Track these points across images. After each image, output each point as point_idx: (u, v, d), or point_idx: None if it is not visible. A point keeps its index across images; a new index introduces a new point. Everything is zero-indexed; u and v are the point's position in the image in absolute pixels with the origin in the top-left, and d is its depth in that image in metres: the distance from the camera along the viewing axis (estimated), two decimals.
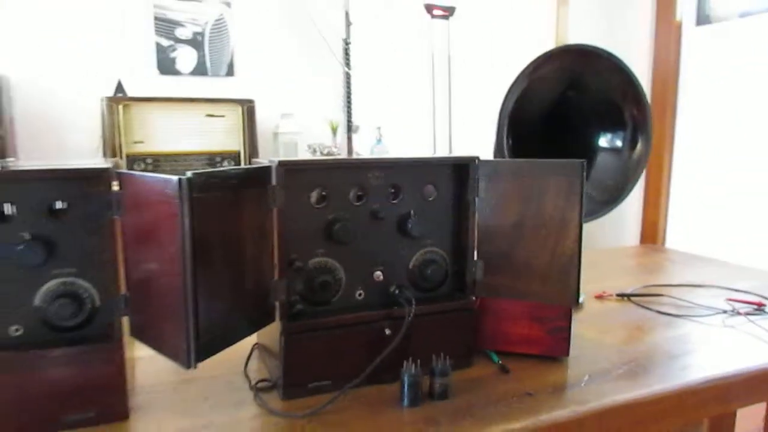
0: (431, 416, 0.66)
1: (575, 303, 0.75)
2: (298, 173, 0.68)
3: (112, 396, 0.63)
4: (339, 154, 2.49)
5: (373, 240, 0.74)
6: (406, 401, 0.68)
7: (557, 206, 0.73)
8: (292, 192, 0.68)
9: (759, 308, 1.03)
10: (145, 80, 2.40)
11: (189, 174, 0.53)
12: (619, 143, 1.01)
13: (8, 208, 0.60)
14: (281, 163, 0.65)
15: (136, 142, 2.16)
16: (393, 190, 0.74)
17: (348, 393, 0.68)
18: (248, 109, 2.30)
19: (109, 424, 0.63)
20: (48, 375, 0.60)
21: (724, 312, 1.02)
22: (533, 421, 0.65)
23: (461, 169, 0.76)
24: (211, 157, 2.29)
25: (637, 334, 0.94)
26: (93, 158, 2.27)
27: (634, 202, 3.79)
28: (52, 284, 0.62)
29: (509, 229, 0.77)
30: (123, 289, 0.64)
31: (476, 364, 0.80)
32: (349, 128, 0.86)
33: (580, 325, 0.96)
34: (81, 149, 2.30)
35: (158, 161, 2.20)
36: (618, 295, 1.13)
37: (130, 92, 2.29)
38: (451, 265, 0.78)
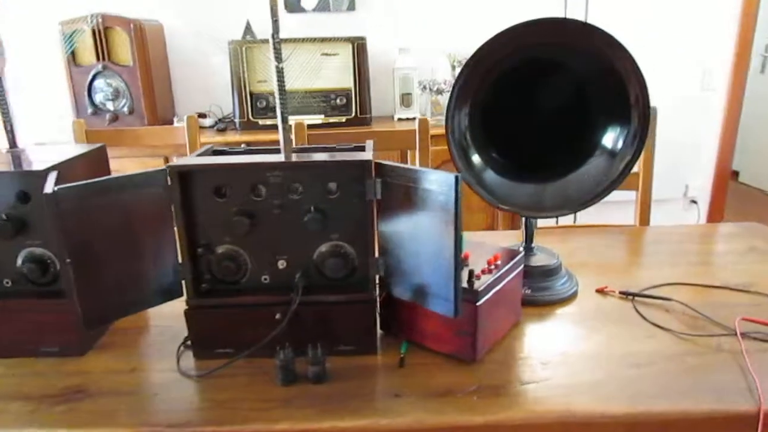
0: (288, 397, 0.74)
1: (454, 314, 0.73)
2: (193, 174, 0.77)
3: None
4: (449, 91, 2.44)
5: (277, 231, 0.80)
6: (278, 380, 0.76)
7: (435, 218, 0.71)
8: (197, 187, 0.77)
9: None
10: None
11: (57, 188, 0.66)
12: (620, 144, 0.88)
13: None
14: (171, 168, 0.74)
15: (259, 81, 2.39)
16: (294, 187, 0.79)
17: (250, 361, 0.80)
18: (358, 46, 2.35)
19: None
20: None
21: (736, 335, 0.86)
22: (367, 423, 0.69)
23: (362, 169, 0.77)
24: (326, 94, 2.43)
25: (595, 347, 0.85)
26: (225, 94, 2.56)
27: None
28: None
29: (404, 234, 0.77)
30: None
31: (389, 352, 0.84)
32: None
33: (538, 325, 0.92)
34: (219, 85, 2.62)
35: None
36: (621, 292, 1.02)
37: (259, 31, 2.50)
38: (358, 258, 0.82)
